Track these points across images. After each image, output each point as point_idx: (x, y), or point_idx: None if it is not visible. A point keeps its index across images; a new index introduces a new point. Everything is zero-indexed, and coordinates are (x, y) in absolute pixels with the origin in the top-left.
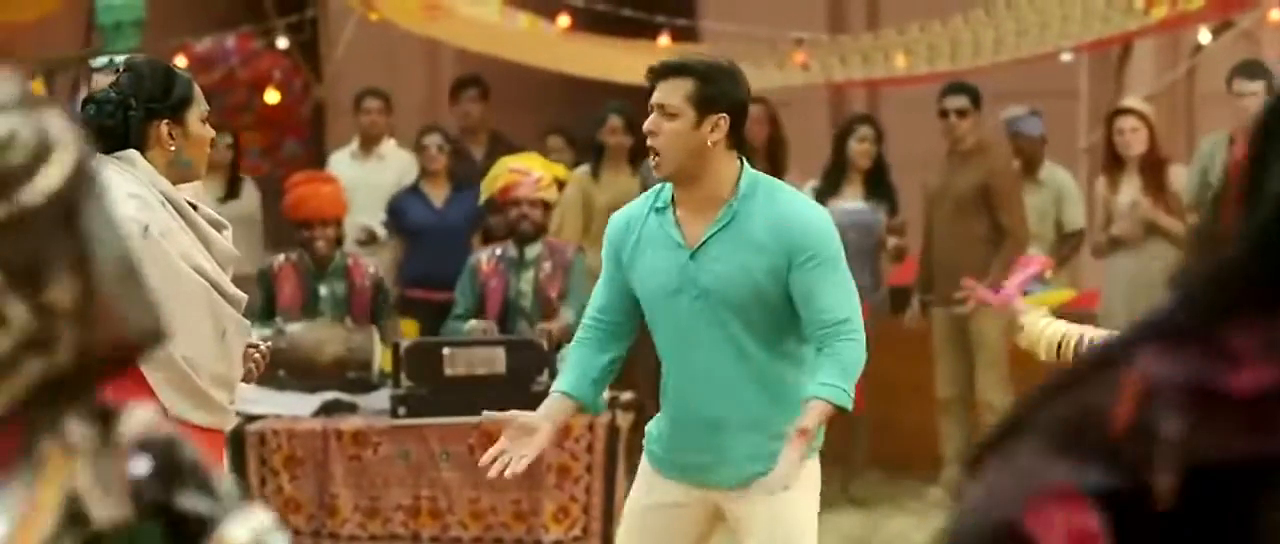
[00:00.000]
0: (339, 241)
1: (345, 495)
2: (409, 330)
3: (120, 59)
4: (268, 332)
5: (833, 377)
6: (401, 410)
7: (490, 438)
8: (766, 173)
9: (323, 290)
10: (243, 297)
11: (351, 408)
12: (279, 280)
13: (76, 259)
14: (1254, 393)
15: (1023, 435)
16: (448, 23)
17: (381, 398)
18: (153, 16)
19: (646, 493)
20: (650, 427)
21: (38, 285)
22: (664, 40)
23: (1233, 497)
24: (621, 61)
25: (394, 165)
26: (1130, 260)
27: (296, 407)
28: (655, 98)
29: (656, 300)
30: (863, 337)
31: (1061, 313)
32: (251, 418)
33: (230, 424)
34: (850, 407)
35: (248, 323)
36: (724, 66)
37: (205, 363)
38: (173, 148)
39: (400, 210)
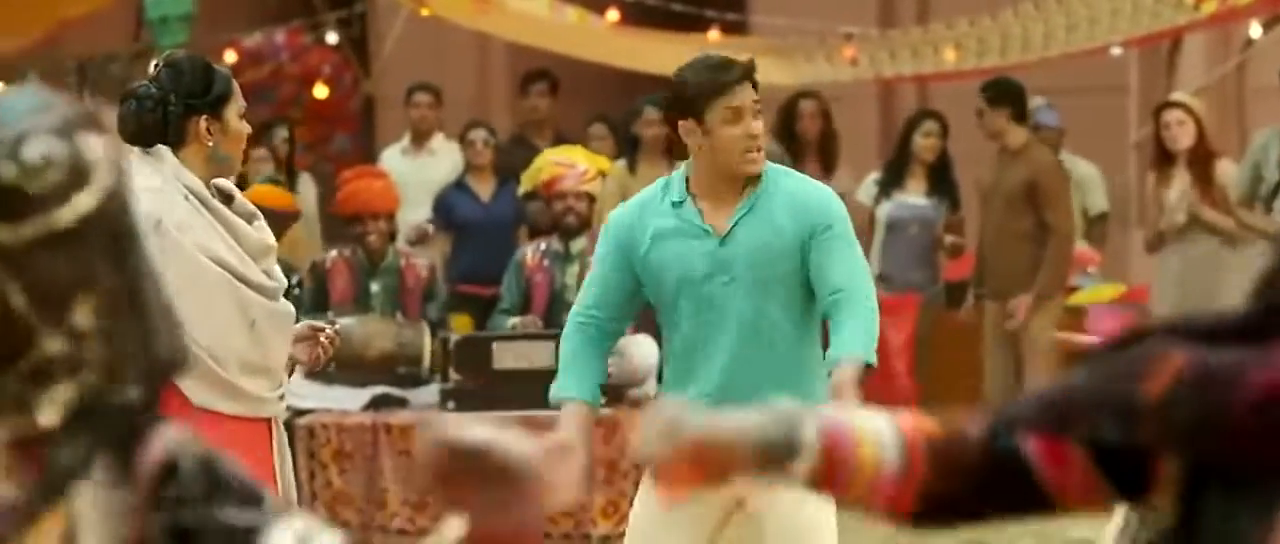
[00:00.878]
0: (392, 237)
1: (394, 489)
2: (460, 325)
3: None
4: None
5: (858, 337)
6: (451, 404)
7: (537, 431)
8: (818, 167)
9: (374, 286)
10: (276, 284)
11: (401, 402)
12: (331, 275)
13: (108, 282)
14: (1264, 396)
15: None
16: (497, 17)
17: (431, 392)
18: (202, 11)
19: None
20: None
21: (67, 306)
22: (713, 34)
23: (1216, 495)
24: (671, 56)
25: (445, 160)
26: (1180, 254)
27: (346, 401)
28: (747, 99)
29: (683, 288)
30: (877, 307)
31: (1113, 305)
32: (300, 412)
33: (271, 412)
34: (873, 363)
35: (290, 309)
36: None
37: (231, 352)
38: (211, 143)
39: (447, 206)
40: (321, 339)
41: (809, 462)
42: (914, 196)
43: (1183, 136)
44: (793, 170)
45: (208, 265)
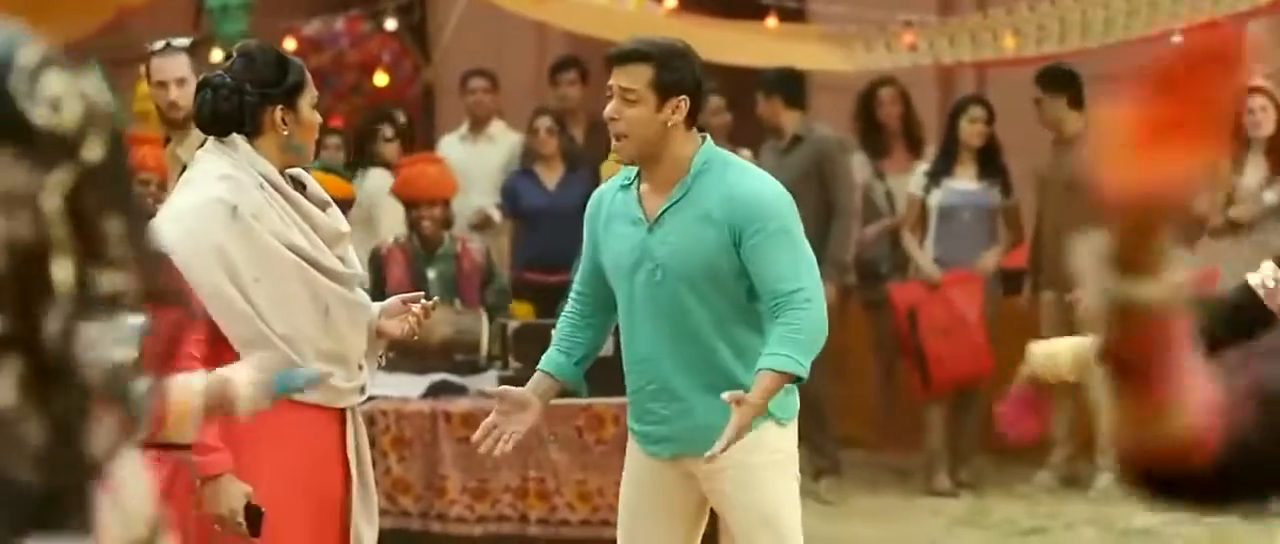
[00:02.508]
0: (448, 223)
1: (454, 477)
2: (523, 313)
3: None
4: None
5: (783, 346)
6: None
7: (599, 420)
8: (905, 152)
9: (431, 273)
10: (353, 272)
11: (460, 390)
12: (387, 262)
13: (123, 216)
14: None
15: None
16: (556, 5)
17: (490, 380)
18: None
19: (632, 470)
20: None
21: (104, 240)
22: (772, 22)
23: None
24: (730, 43)
25: (504, 146)
26: (1250, 243)
27: (405, 388)
28: (616, 82)
29: (618, 274)
30: (818, 303)
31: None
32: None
33: (347, 402)
34: (803, 375)
35: (365, 300)
36: (680, 49)
37: (307, 340)
38: (285, 132)
39: (514, 193)
40: (415, 309)
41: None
42: (964, 182)
43: (1265, 123)
44: (744, 162)
45: (283, 252)
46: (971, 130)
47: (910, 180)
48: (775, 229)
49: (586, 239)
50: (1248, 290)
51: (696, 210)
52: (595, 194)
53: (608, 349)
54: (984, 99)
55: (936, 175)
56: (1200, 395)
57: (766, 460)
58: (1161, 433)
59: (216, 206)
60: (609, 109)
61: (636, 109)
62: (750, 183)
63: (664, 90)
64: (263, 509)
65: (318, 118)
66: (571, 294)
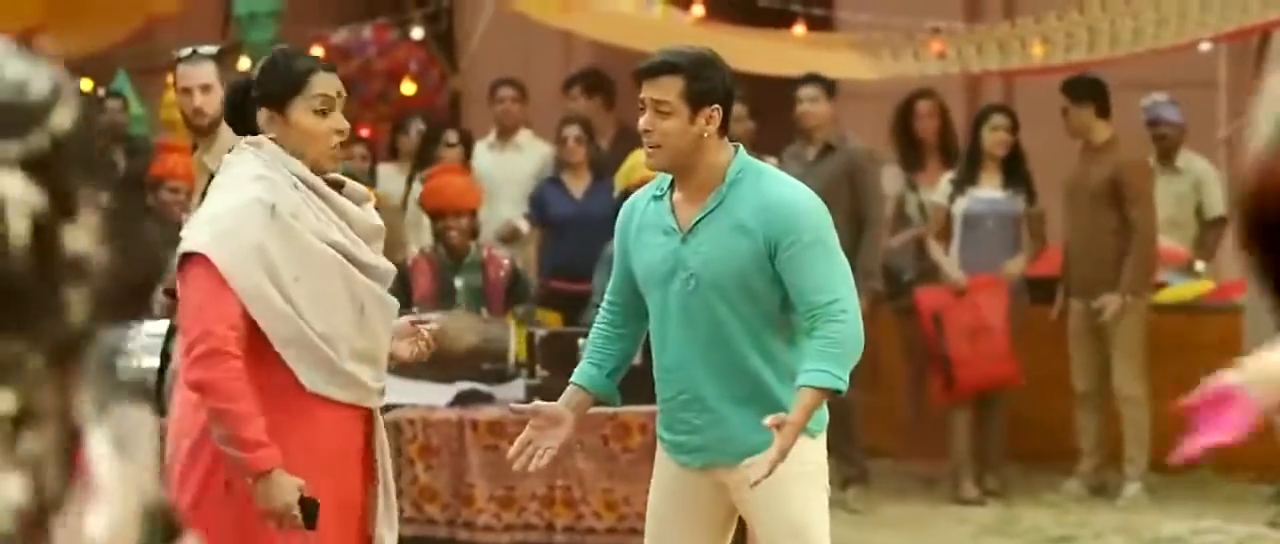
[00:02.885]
0: (474, 233)
1: (481, 485)
2: (551, 321)
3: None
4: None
5: (820, 362)
6: (537, 401)
7: (626, 428)
8: (939, 165)
9: (458, 283)
10: (388, 268)
11: (487, 398)
12: (414, 273)
13: (94, 193)
14: None
15: None
16: (583, 14)
17: (517, 388)
18: (290, 8)
19: (661, 479)
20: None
21: (73, 214)
22: (799, 30)
23: None
24: (757, 51)
25: (532, 155)
26: None
27: (432, 396)
28: (648, 94)
29: (651, 284)
30: (854, 314)
31: (1203, 301)
32: (387, 407)
33: (376, 402)
34: (842, 388)
35: (394, 302)
36: (709, 58)
37: (344, 338)
38: (272, 136)
39: (542, 202)
40: (424, 331)
41: None
42: (989, 190)
43: None
44: (778, 172)
45: (323, 250)
46: (994, 139)
47: (935, 191)
48: (811, 240)
49: (617, 248)
50: None
51: (731, 220)
52: (627, 204)
53: (635, 358)
54: (1007, 108)
55: (961, 184)
56: None
57: (797, 472)
58: None
59: (255, 206)
60: (643, 121)
61: (670, 121)
62: (786, 192)
63: (696, 101)
64: (317, 501)
65: (322, 124)
66: (603, 305)
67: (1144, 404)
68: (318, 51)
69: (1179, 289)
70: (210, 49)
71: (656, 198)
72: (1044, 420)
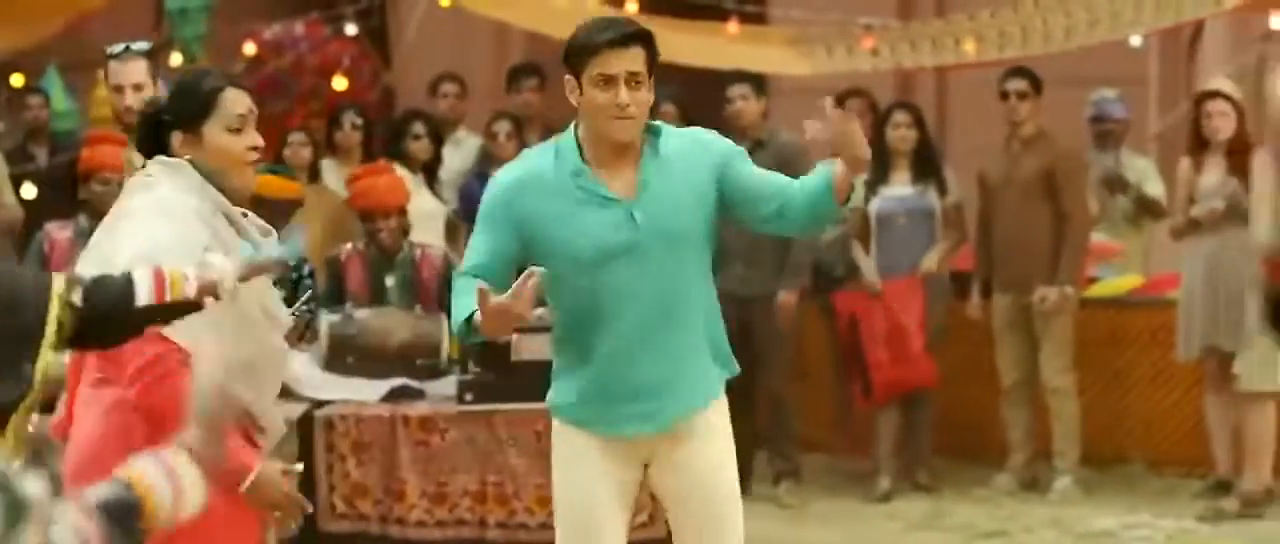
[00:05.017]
0: (405, 231)
1: (412, 481)
2: None
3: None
4: (336, 318)
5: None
6: (468, 396)
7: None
8: (873, 166)
9: (389, 280)
10: (287, 321)
11: (419, 394)
12: (346, 268)
13: None
14: None
15: None
16: (516, 7)
17: (449, 384)
18: (221, 3)
19: (575, 465)
20: (560, 396)
21: None
22: (732, 26)
23: None
24: (691, 46)
25: (471, 151)
26: (1210, 243)
27: (364, 392)
28: (622, 67)
29: (595, 259)
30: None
31: (1132, 296)
32: (319, 404)
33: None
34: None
35: (285, 348)
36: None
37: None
38: (187, 157)
39: (470, 196)
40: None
41: None
42: (898, 188)
43: (1224, 127)
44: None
45: (258, 317)
46: (896, 136)
47: None
48: (743, 153)
49: (496, 228)
50: None
51: (669, 175)
52: (512, 182)
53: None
54: (909, 104)
55: (872, 184)
56: None
57: (726, 450)
58: None
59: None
60: (623, 96)
61: (643, 91)
62: (698, 132)
63: (654, 69)
64: (300, 466)
65: (238, 142)
66: (460, 279)
67: (1073, 398)
68: (250, 47)
69: (1109, 283)
70: (142, 46)
71: (575, 173)
72: (973, 415)
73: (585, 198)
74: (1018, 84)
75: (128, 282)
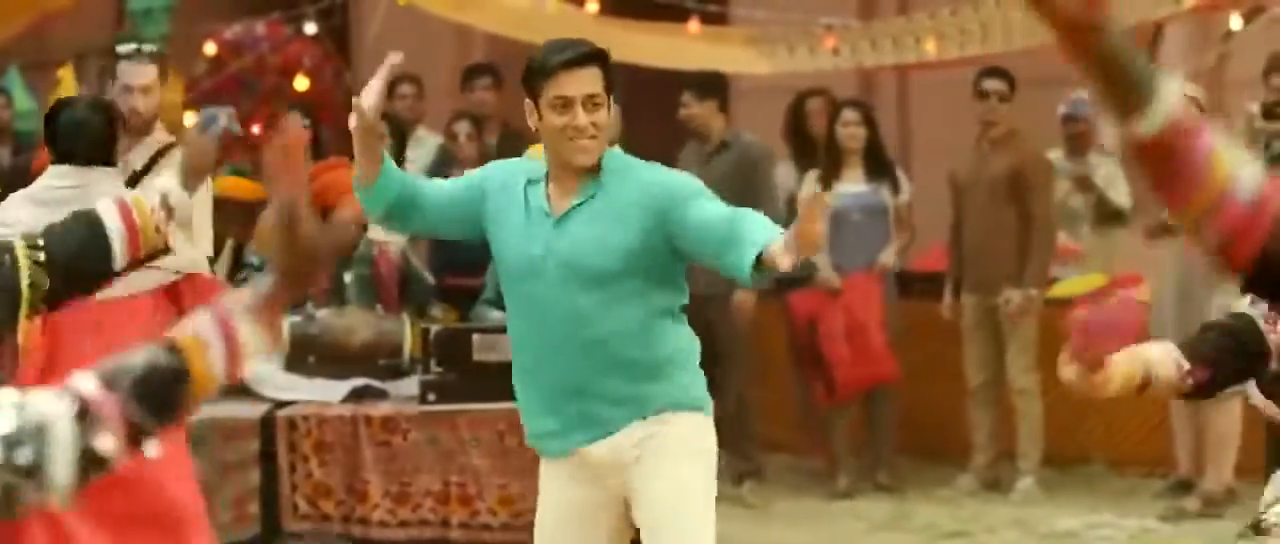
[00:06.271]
0: (363, 227)
1: (375, 481)
2: (445, 318)
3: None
4: (297, 318)
5: (758, 225)
6: (431, 396)
7: (521, 425)
8: (827, 164)
9: (347, 277)
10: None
11: (381, 394)
12: None
13: None
14: None
15: None
16: (477, 9)
17: (411, 384)
18: (183, 3)
19: (549, 489)
20: (525, 420)
21: None
22: (694, 25)
23: None
24: (652, 46)
25: (431, 149)
26: (1181, 244)
27: (326, 393)
28: (578, 89)
29: (520, 267)
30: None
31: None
32: (281, 404)
33: None
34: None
35: None
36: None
37: None
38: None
39: None
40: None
41: (1160, 118)
42: (851, 185)
43: None
44: (643, 162)
45: None
46: (846, 134)
47: (801, 188)
48: (696, 190)
49: (472, 189)
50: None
51: (608, 209)
52: (503, 172)
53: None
54: (860, 102)
55: (825, 181)
56: (1224, 206)
57: (694, 449)
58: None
59: None
60: (582, 119)
61: (601, 112)
62: (660, 172)
63: (609, 88)
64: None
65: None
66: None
67: (1037, 398)
68: (211, 47)
69: (1072, 283)
70: (152, 48)
71: (532, 183)
72: (937, 415)
73: (526, 207)
74: (996, 84)
75: (92, 215)
